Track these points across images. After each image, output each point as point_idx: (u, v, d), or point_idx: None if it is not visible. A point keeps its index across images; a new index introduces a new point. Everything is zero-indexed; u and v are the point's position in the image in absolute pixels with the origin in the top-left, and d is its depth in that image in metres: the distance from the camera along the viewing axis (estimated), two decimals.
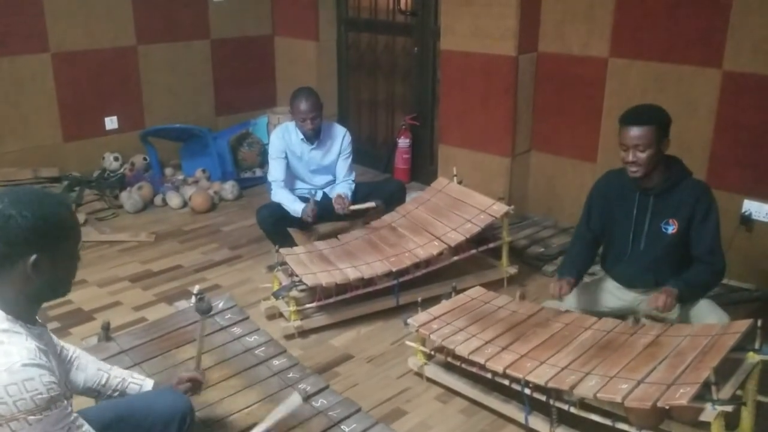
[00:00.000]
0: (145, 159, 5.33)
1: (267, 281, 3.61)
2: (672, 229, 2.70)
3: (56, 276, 1.62)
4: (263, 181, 5.50)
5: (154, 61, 5.48)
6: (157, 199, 5.06)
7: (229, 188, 5.17)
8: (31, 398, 1.47)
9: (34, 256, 1.54)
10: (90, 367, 2.02)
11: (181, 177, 5.33)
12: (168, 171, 5.43)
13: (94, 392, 2.02)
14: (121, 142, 5.36)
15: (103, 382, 2.02)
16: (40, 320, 1.71)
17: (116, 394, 2.04)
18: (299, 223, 3.85)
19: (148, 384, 2.08)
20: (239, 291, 3.71)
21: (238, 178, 5.36)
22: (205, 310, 2.29)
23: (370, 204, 3.82)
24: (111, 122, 5.36)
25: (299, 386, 2.38)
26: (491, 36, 4.20)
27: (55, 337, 1.93)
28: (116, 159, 5.27)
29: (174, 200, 5.02)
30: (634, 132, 2.61)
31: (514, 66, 4.17)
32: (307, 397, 2.26)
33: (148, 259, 4.20)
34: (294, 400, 2.12)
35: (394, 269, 3.35)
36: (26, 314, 1.62)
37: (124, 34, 5.28)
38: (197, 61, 5.74)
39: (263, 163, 5.67)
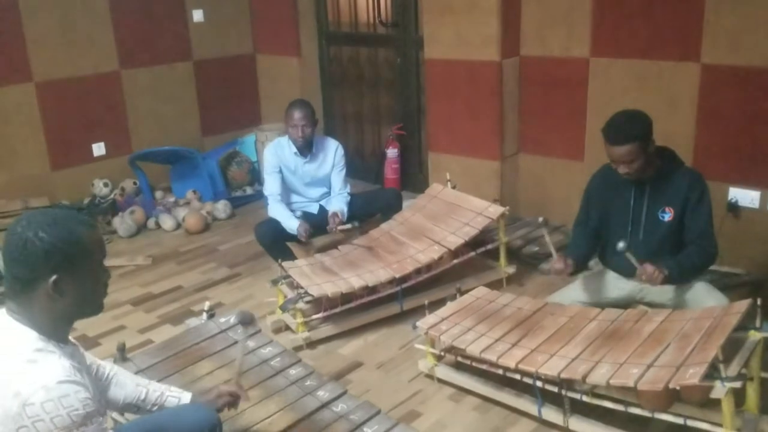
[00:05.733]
0: (134, 183, 5.34)
1: (271, 296, 3.64)
2: (668, 216, 2.79)
3: (81, 295, 1.62)
4: (255, 198, 5.54)
5: (138, 85, 5.51)
6: (150, 223, 5.08)
7: (221, 208, 5.20)
8: (68, 414, 1.49)
9: (53, 277, 1.55)
10: (129, 384, 2.05)
11: (172, 199, 5.34)
12: (158, 194, 5.44)
13: (134, 407, 2.05)
14: (109, 168, 5.37)
15: (142, 397, 2.04)
16: (72, 339, 1.74)
17: (155, 408, 2.06)
18: (297, 238, 3.89)
19: (186, 397, 2.10)
20: (243, 307, 3.73)
21: (229, 197, 5.39)
22: (247, 320, 2.32)
23: (349, 225, 3.86)
24: (98, 148, 5.37)
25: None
26: (474, 43, 4.29)
27: (90, 356, 1.96)
28: (106, 185, 5.27)
29: (167, 223, 5.04)
30: (619, 151, 2.69)
31: (498, 71, 4.27)
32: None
33: (147, 282, 4.21)
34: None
35: (397, 275, 3.40)
36: (57, 334, 1.64)
37: (106, 59, 5.31)
38: (181, 83, 5.78)
39: (253, 181, 5.71)
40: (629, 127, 2.70)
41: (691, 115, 3.77)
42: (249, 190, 5.62)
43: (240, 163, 5.66)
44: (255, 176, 5.73)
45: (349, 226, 3.87)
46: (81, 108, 5.22)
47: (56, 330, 1.64)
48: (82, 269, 1.60)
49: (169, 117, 5.72)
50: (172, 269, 4.40)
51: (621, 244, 2.68)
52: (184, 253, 4.66)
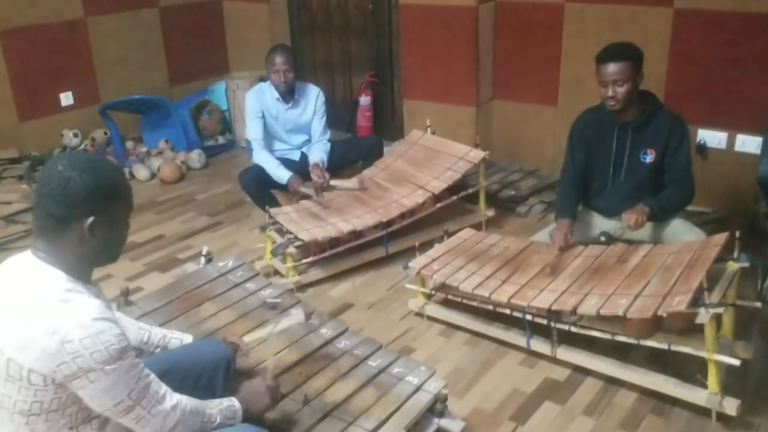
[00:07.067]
0: (105, 133, 5.26)
1: (257, 242, 3.69)
2: (650, 158, 2.92)
3: (109, 240, 1.66)
4: (228, 148, 5.54)
5: (105, 33, 5.38)
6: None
7: (196, 157, 5.17)
8: (106, 349, 1.54)
9: (91, 218, 1.58)
10: (131, 327, 2.09)
11: (144, 149, 5.29)
12: (129, 144, 5.37)
13: (137, 350, 2.08)
14: (78, 118, 5.27)
15: (145, 339, 2.09)
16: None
17: (158, 350, 2.11)
18: (282, 185, 3.91)
19: (188, 339, 2.16)
20: (230, 254, 3.77)
21: (202, 147, 5.35)
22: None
23: (353, 185, 3.80)
24: (66, 98, 5.26)
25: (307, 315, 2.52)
26: None
27: None
28: (76, 135, 5.19)
29: (141, 173, 5.00)
30: (612, 68, 2.80)
31: (475, 16, 4.30)
32: (310, 314, 2.43)
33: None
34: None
35: (383, 220, 3.48)
36: (83, 275, 1.68)
37: (71, 6, 5.16)
38: (147, 30, 5.66)
39: (224, 130, 5.68)
40: (624, 47, 2.88)
41: (663, 59, 3.89)
42: (221, 140, 5.59)
43: (211, 112, 5.61)
44: (226, 125, 5.69)
45: (353, 185, 3.82)
46: (47, 57, 5.08)
47: (82, 272, 1.67)
48: (116, 214, 1.65)
49: (137, 65, 5.61)
50: (152, 219, 4.40)
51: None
52: (162, 203, 4.65)
